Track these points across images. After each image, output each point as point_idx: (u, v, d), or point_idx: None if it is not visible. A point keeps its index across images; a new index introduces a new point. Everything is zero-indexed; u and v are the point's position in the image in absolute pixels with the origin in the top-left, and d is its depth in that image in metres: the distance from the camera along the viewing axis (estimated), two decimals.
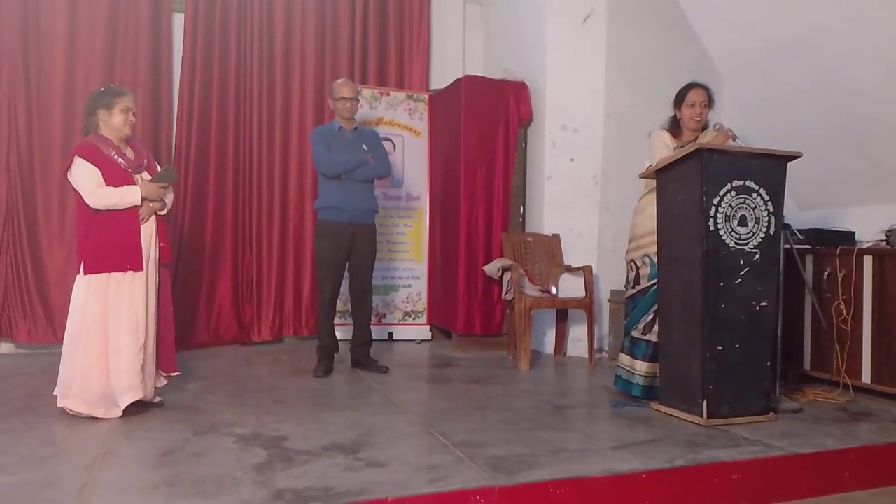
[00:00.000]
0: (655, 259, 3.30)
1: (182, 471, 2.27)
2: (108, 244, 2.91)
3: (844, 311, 3.63)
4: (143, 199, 2.97)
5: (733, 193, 2.96)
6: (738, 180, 2.97)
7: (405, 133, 5.44)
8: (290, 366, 4.27)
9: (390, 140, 5.29)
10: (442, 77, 5.61)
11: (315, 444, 2.57)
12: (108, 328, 2.90)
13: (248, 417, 2.95)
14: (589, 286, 4.41)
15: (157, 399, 3.13)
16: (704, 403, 2.92)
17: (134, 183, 2.98)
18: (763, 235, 3.02)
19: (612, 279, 4.67)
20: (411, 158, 5.45)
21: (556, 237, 4.80)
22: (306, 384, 3.72)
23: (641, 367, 3.39)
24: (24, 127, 4.55)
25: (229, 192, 5.11)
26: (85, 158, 2.90)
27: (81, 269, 2.93)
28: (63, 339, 2.97)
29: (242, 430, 2.76)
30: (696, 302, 2.97)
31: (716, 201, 2.93)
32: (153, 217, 3.05)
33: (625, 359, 3.49)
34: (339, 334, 4.23)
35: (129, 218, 2.95)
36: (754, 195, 3.00)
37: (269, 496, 2.04)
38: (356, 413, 3.09)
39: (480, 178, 4.95)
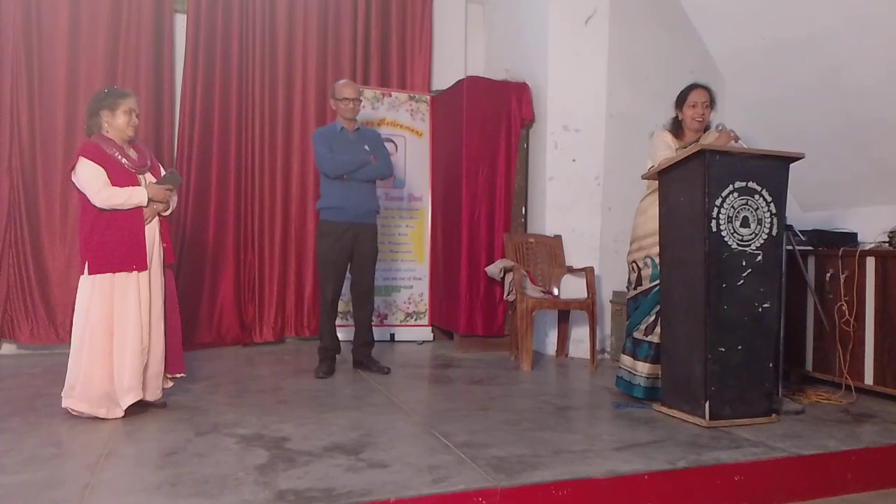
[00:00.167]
0: (657, 260, 3.30)
1: (184, 471, 2.27)
2: (113, 244, 2.92)
3: (847, 313, 3.63)
4: (149, 200, 2.98)
5: (736, 195, 2.96)
6: (741, 181, 2.97)
7: (407, 134, 5.44)
8: (292, 366, 4.27)
9: (392, 141, 5.29)
10: (444, 78, 5.62)
11: (317, 444, 2.58)
12: (112, 328, 2.91)
13: (249, 418, 2.95)
14: (591, 287, 4.41)
15: (161, 400, 3.13)
16: (707, 404, 2.91)
17: (138, 184, 2.98)
18: (765, 237, 3.02)
19: (613, 280, 4.67)
20: (413, 159, 5.45)
21: (557, 238, 4.80)
22: (308, 385, 3.72)
23: (643, 368, 3.39)
24: (27, 127, 4.56)
25: (231, 193, 5.11)
26: (90, 158, 2.90)
27: (85, 270, 2.94)
28: (66, 339, 2.97)
29: (244, 430, 2.76)
30: (698, 303, 2.96)
31: (718, 202, 2.93)
32: (156, 217, 3.06)
33: (627, 360, 3.49)
34: (340, 335, 4.23)
35: (132, 218, 2.96)
36: (757, 196, 3.00)
37: (270, 497, 2.04)
38: (358, 414, 3.09)
39: (482, 178, 4.95)
